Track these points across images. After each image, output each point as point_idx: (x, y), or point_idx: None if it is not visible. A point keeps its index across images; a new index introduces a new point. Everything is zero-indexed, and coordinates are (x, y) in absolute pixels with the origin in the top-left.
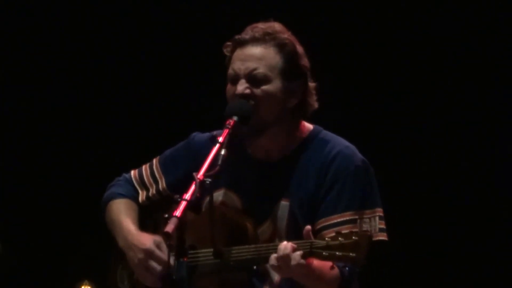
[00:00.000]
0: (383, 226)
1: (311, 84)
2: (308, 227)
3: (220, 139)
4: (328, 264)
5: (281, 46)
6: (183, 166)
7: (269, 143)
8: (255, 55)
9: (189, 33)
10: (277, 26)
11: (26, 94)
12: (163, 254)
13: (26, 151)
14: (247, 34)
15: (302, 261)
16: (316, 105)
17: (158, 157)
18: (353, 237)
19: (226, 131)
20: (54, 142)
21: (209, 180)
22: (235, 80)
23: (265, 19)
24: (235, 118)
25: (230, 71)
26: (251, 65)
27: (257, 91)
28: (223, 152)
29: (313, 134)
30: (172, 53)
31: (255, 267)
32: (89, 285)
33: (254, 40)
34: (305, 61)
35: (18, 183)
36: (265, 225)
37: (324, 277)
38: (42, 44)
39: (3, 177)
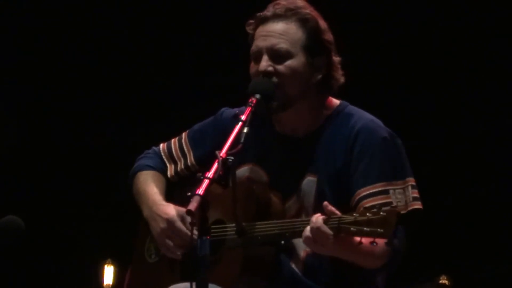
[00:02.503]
0: (416, 195)
1: (336, 59)
2: (326, 203)
3: (243, 117)
4: (368, 242)
5: (303, 21)
6: (211, 141)
7: (295, 118)
8: (277, 31)
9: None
10: (299, 1)
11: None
12: (185, 224)
13: (48, 135)
14: (268, 10)
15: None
16: (342, 79)
17: (187, 131)
18: (381, 213)
19: (248, 109)
20: (76, 125)
21: (232, 158)
22: (258, 57)
23: None
24: (257, 96)
25: (253, 48)
26: (273, 40)
27: (280, 67)
28: (245, 130)
29: (338, 109)
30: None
31: (282, 242)
32: (112, 264)
33: (276, 16)
34: (328, 36)
35: (42, 165)
36: (291, 200)
37: (369, 251)
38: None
39: (28, 160)
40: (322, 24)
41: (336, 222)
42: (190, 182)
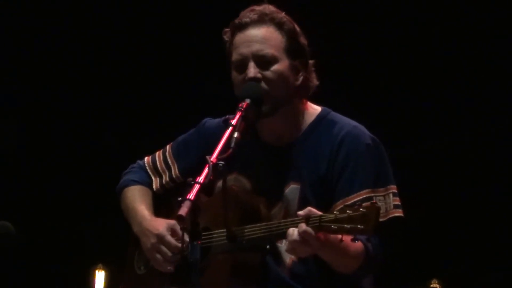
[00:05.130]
0: (397, 202)
1: (310, 62)
2: (298, 212)
3: (233, 122)
4: (349, 238)
5: (281, 25)
6: (195, 152)
7: (279, 126)
8: (259, 36)
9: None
10: (272, 7)
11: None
12: (175, 239)
13: (39, 140)
14: (245, 17)
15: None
16: (316, 82)
17: (171, 143)
18: (361, 210)
19: (239, 114)
20: (67, 130)
21: (222, 163)
22: (243, 65)
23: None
24: (247, 100)
25: (236, 56)
26: (258, 46)
27: (268, 73)
28: (236, 134)
29: (320, 116)
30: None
31: (268, 246)
32: (103, 269)
33: (254, 22)
34: (303, 39)
35: (33, 170)
36: (276, 208)
37: (346, 250)
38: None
39: (19, 165)
40: (297, 27)
41: (317, 221)
42: (177, 195)
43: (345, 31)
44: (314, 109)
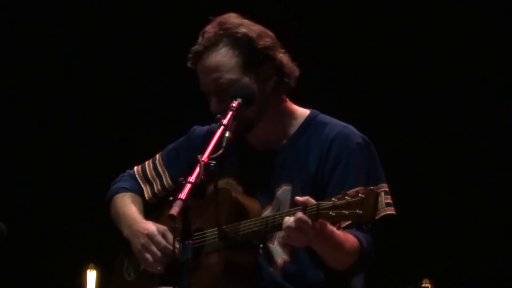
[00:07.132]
0: (389, 200)
1: (282, 56)
2: (296, 198)
3: (225, 121)
4: (346, 234)
5: (234, 42)
6: (185, 159)
7: (266, 131)
8: (212, 66)
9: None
10: (225, 18)
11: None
12: (166, 239)
13: (33, 139)
14: (200, 43)
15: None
16: (296, 71)
17: (160, 152)
18: (360, 195)
19: (230, 113)
20: (60, 132)
21: (214, 162)
22: (207, 95)
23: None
24: (239, 100)
25: (201, 86)
26: (212, 77)
27: (229, 100)
28: (227, 134)
29: (310, 118)
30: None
31: (261, 245)
32: (94, 268)
33: (207, 49)
34: (264, 41)
35: (26, 170)
36: (267, 210)
37: (342, 244)
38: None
39: (12, 165)
40: (255, 31)
41: (314, 209)
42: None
43: (336, 26)
44: (302, 111)
